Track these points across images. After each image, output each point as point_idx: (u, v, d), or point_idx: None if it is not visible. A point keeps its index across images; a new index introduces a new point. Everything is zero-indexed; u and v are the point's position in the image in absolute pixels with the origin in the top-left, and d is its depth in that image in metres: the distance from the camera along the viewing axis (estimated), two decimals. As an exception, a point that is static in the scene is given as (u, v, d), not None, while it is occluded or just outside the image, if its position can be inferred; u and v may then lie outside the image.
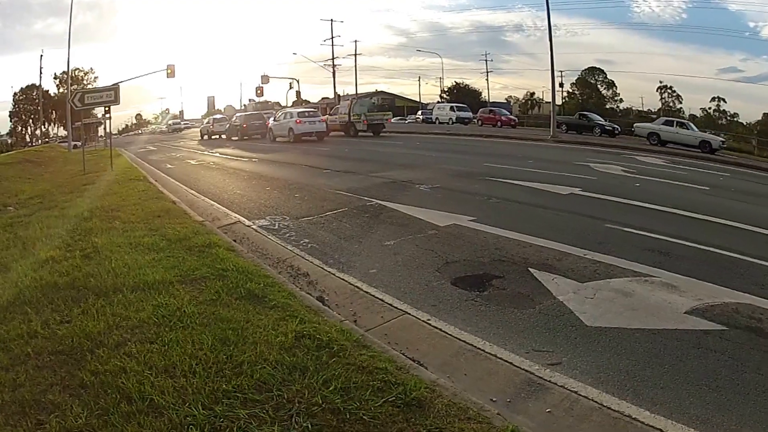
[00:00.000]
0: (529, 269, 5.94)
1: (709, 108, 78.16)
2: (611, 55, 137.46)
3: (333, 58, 63.90)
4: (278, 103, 67.91)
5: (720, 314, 4.81)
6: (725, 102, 77.69)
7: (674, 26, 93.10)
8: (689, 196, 12.26)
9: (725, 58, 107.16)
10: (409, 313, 4.77)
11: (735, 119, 75.75)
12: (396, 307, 4.89)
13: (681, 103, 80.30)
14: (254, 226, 8.30)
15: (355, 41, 70.11)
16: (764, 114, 72.82)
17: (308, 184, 12.62)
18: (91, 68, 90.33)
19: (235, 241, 7.19)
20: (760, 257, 6.78)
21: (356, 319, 4.67)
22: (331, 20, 63.95)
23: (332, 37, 63.46)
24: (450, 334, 4.38)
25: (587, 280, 5.61)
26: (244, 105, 71.38)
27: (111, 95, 18.71)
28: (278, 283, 5.14)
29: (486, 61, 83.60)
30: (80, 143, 36.49)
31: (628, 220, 8.44)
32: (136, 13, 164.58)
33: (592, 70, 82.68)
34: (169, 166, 20.36)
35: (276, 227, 8.23)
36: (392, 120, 43.27)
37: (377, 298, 5.15)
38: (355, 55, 67.48)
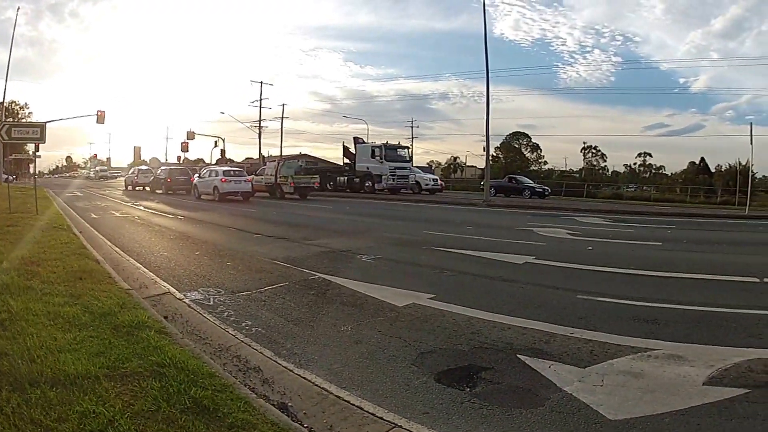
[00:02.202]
0: (518, 356, 5.12)
1: (635, 163, 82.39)
2: (535, 120, 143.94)
3: (260, 120, 64.73)
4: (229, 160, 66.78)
5: (737, 377, 4.60)
6: (651, 156, 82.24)
7: (600, 89, 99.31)
8: (647, 254, 12.08)
9: (652, 115, 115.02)
10: (400, 426, 3.75)
11: (660, 171, 79.95)
12: (381, 418, 3.86)
13: (605, 161, 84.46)
14: (186, 300, 7.16)
15: (283, 105, 70.96)
16: (690, 162, 77.84)
17: (240, 251, 11.70)
18: (26, 103, 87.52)
19: (166, 318, 6.09)
20: (742, 306, 6.92)
21: (335, 436, 3.59)
22: (261, 83, 64.85)
23: (261, 99, 64.38)
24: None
25: (587, 364, 4.91)
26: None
27: (37, 132, 18.06)
28: (229, 385, 4.07)
29: (412, 127, 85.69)
30: (12, 178, 35.20)
31: (598, 289, 8.01)
32: (75, 56, 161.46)
33: (516, 135, 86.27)
34: (94, 216, 19.82)
35: (211, 303, 7.11)
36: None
37: (354, 405, 4.09)
38: (282, 118, 67.71)
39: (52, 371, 4.08)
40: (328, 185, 44.27)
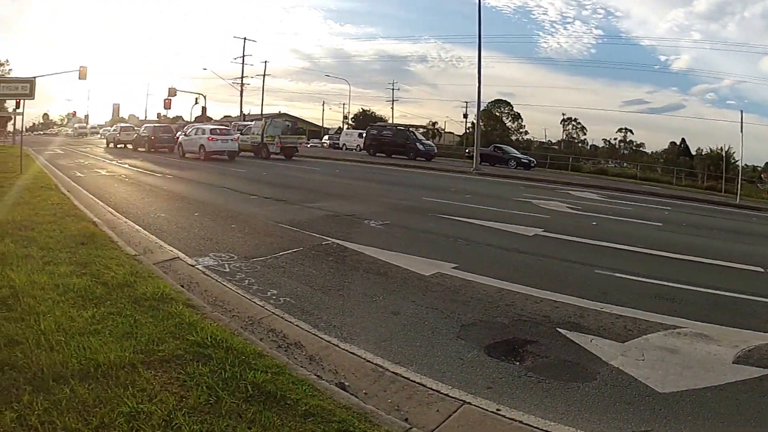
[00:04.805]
0: (558, 330, 5.11)
1: (615, 138, 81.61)
2: (514, 88, 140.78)
3: (242, 77, 63.04)
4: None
5: (761, 358, 4.72)
6: (632, 133, 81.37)
7: (581, 61, 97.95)
8: (650, 234, 12.13)
9: (632, 90, 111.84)
10: (468, 402, 3.63)
11: (641, 149, 79.07)
12: (446, 395, 3.71)
13: (585, 134, 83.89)
14: (200, 266, 6.75)
15: (265, 62, 68.31)
16: (671, 143, 76.34)
17: (240, 213, 11.39)
18: (7, 60, 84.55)
19: (183, 287, 5.68)
20: (752, 294, 6.90)
21: (407, 417, 3.41)
22: (245, 39, 63.08)
23: (243, 56, 62.88)
24: (537, 428, 3.39)
25: (624, 339, 5.00)
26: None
27: (26, 88, 17.04)
28: (283, 366, 3.74)
29: (393, 89, 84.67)
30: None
31: (612, 264, 8.03)
32: (52, 12, 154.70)
33: (498, 103, 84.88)
34: (79, 174, 18.88)
35: (227, 269, 6.75)
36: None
37: (415, 382, 3.91)
38: (264, 75, 65.91)
39: (79, 361, 3.49)
40: None
